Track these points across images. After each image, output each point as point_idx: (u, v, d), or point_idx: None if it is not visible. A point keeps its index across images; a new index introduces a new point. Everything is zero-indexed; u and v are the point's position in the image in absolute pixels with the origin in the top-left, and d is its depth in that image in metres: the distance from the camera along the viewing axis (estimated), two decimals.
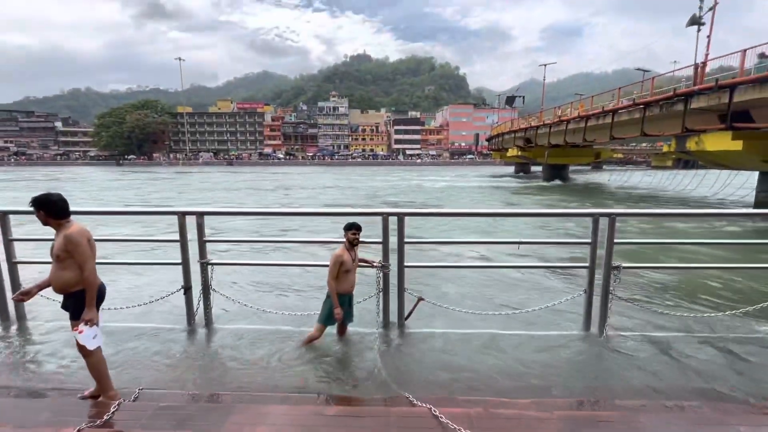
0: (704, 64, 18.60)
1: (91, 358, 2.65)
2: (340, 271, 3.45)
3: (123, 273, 6.64)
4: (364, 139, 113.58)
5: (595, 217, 3.71)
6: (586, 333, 3.89)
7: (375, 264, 3.79)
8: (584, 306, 3.90)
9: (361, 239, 3.65)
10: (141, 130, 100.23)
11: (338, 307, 3.45)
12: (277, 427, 2.40)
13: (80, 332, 2.56)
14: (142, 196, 24.76)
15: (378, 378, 3.13)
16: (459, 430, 2.31)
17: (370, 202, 21.62)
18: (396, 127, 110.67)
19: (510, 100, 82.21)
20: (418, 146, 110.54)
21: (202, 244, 3.94)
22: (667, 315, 4.30)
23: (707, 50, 21.50)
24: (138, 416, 2.51)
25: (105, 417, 2.46)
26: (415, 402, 2.67)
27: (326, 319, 3.55)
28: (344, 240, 3.53)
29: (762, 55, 15.72)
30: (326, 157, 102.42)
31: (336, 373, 3.25)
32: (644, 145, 77.70)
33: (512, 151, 45.13)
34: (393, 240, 3.81)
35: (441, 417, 2.44)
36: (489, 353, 3.58)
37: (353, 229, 3.51)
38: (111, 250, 8.03)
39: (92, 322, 2.57)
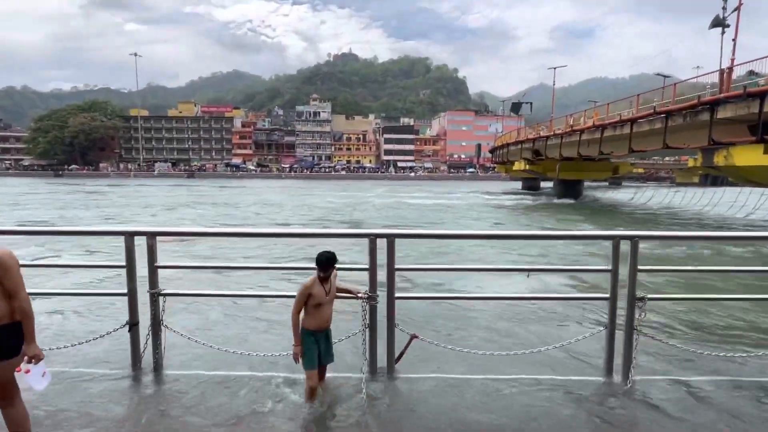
0: (730, 69, 19.43)
1: (17, 408, 2.55)
2: (309, 305, 3.38)
3: (49, 305, 6.43)
4: (349, 149, 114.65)
5: (616, 240, 3.75)
6: (607, 379, 3.86)
7: (360, 295, 3.73)
8: (605, 345, 3.88)
9: (344, 266, 3.60)
10: (86, 136, 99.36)
11: (297, 346, 3.35)
12: None
13: (27, 372, 2.50)
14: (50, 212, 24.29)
15: None
16: None
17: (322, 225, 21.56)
18: (386, 136, 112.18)
19: (516, 107, 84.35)
20: (412, 158, 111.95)
21: (152, 270, 3.84)
22: (695, 353, 4.30)
23: (733, 55, 22.53)
24: None
25: None
26: None
27: (310, 360, 3.45)
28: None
29: None
30: (305, 170, 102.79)
31: (316, 428, 3.14)
32: (667, 159, 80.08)
33: (519, 165, 46.01)
34: (381, 266, 3.76)
35: None
36: (493, 402, 3.51)
37: (317, 263, 3.34)
38: (37, 277, 7.77)
39: (38, 358, 2.55)
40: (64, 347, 4.16)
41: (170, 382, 3.80)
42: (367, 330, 3.75)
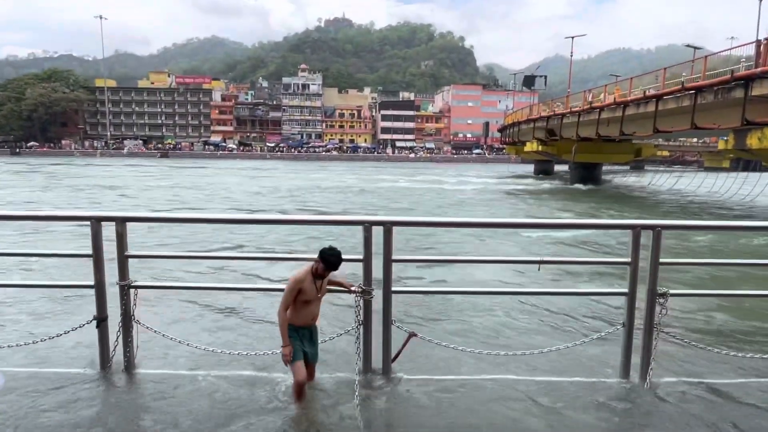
0: None
1: None
2: (297, 300, 3.40)
3: (3, 297, 6.44)
4: (342, 126, 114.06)
5: (636, 230, 3.77)
6: (624, 380, 3.92)
7: (353, 289, 3.75)
8: (622, 344, 3.93)
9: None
10: (46, 109, 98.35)
11: (287, 346, 3.37)
12: None
13: None
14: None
15: None
16: None
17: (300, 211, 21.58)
18: (384, 112, 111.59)
19: (529, 81, 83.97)
20: (412, 137, 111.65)
21: (122, 260, 3.83)
22: (717, 354, 4.37)
23: None
24: None
25: None
26: None
27: (295, 351, 3.47)
28: (313, 262, 3.46)
29: None
30: (292, 149, 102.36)
31: None
32: (695, 141, 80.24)
33: (531, 146, 45.95)
34: (377, 257, 3.78)
35: None
36: (499, 406, 3.57)
37: (325, 263, 3.34)
38: None
39: None
40: (25, 344, 4.17)
41: (143, 382, 3.83)
42: (361, 327, 3.78)
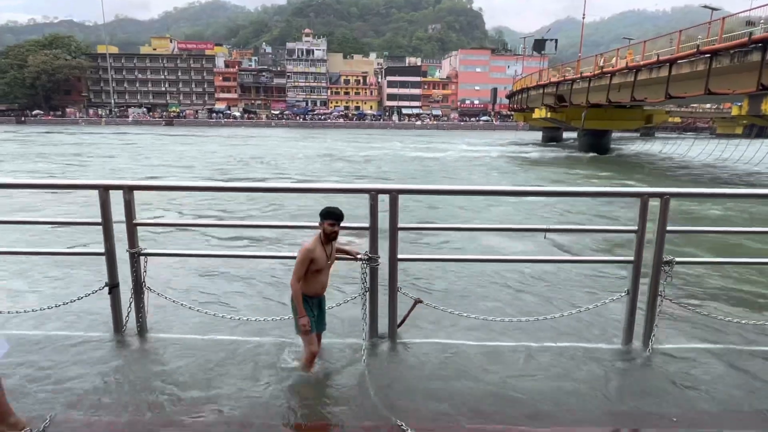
0: None
1: None
2: (309, 269, 3.43)
3: (16, 265, 6.56)
4: (347, 93, 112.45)
5: (644, 198, 3.75)
6: (626, 346, 3.98)
7: (359, 256, 3.79)
8: (626, 311, 3.97)
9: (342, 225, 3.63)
10: (49, 77, 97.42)
11: (304, 316, 3.40)
12: None
13: None
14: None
15: (364, 402, 3.18)
16: None
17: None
18: (389, 78, 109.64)
19: (539, 45, 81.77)
20: (418, 104, 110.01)
21: (131, 228, 3.88)
22: (721, 321, 4.41)
23: None
24: None
25: None
26: None
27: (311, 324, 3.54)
28: (319, 230, 3.49)
29: None
30: (297, 117, 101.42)
31: (311, 397, 3.28)
32: (708, 107, 78.51)
33: (539, 112, 45.17)
34: (383, 225, 3.80)
35: None
36: (504, 371, 3.65)
37: (331, 218, 3.38)
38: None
39: None
40: (41, 309, 4.29)
41: (157, 346, 3.94)
42: (368, 293, 3.84)
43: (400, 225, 3.86)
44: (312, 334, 3.47)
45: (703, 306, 5.42)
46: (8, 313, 4.49)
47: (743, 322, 4.45)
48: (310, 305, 3.51)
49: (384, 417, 3.01)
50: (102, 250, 3.90)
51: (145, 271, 3.98)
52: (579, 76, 34.94)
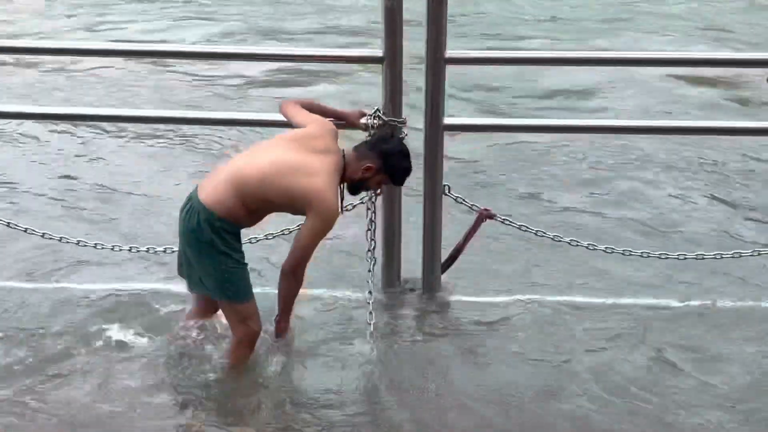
0: None
1: None
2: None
3: None
4: None
5: None
6: None
7: (363, 121, 1.95)
8: None
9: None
10: None
11: (288, 322, 1.91)
12: None
13: None
14: None
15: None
16: None
17: None
18: None
19: None
20: None
21: None
22: None
23: None
24: None
25: None
26: None
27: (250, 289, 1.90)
28: (340, 158, 1.79)
29: None
30: None
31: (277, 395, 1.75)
32: None
33: None
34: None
35: None
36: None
37: (393, 177, 1.86)
38: None
39: None
40: None
41: None
42: (379, 199, 1.96)
43: (449, 54, 1.88)
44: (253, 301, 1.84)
45: None
46: None
47: None
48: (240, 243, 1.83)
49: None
50: None
51: None
52: None
